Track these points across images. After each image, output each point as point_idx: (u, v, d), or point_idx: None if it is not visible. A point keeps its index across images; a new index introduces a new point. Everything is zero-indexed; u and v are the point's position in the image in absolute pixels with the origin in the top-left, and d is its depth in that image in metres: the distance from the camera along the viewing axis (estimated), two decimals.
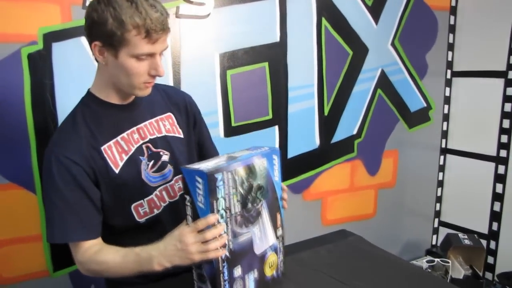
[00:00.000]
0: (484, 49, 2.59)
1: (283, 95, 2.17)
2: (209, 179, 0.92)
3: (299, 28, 2.16)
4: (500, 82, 2.50)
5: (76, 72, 1.65)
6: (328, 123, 2.35)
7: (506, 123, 2.50)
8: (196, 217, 0.96)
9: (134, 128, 1.16)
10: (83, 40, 1.64)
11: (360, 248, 1.39)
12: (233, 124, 2.04)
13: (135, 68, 1.03)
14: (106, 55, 1.04)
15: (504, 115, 2.51)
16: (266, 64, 2.09)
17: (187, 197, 0.96)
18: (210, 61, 1.94)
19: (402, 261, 1.39)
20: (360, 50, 2.38)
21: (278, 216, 1.13)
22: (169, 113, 1.25)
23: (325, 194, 2.43)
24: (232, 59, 1.99)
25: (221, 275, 0.98)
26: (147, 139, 1.17)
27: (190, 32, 1.86)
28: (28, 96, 1.58)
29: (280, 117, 2.18)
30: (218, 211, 0.95)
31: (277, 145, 2.19)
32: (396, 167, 2.68)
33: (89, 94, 1.16)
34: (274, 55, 2.11)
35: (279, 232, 1.14)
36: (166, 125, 1.22)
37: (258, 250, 1.06)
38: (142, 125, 1.17)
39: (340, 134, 2.40)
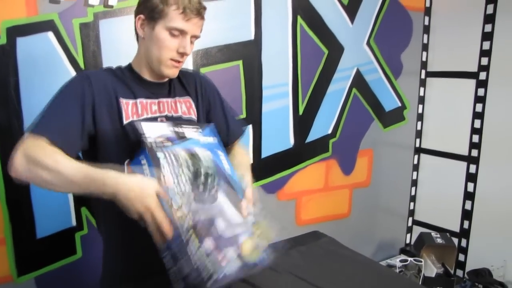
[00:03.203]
0: (457, 50, 2.63)
1: (257, 94, 2.15)
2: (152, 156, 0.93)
3: (274, 26, 2.14)
4: (472, 82, 2.54)
5: (43, 68, 1.59)
6: (303, 122, 2.34)
7: (477, 123, 2.55)
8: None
9: (156, 100, 1.22)
10: (50, 35, 1.59)
11: (332, 250, 1.38)
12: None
13: (167, 41, 1.14)
14: (145, 29, 1.16)
15: (476, 115, 2.55)
16: (240, 62, 2.06)
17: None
18: None
19: (373, 263, 1.39)
20: (335, 49, 2.38)
21: (243, 205, 1.06)
22: (187, 97, 1.30)
23: (299, 194, 2.43)
24: (206, 57, 1.95)
25: (190, 245, 0.92)
26: (163, 114, 1.23)
27: None
28: None
29: (254, 116, 2.16)
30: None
31: (250, 145, 2.17)
32: (370, 166, 2.70)
33: (129, 64, 1.26)
34: (249, 53, 2.09)
35: (250, 219, 1.06)
36: (183, 107, 1.28)
37: (225, 232, 0.99)
38: (163, 100, 1.24)
39: (314, 134, 2.40)
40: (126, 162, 1.09)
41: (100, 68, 1.26)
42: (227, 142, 1.35)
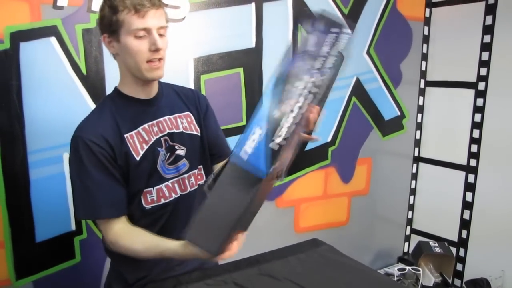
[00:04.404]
0: (456, 60, 2.65)
1: (258, 101, 2.14)
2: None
3: (275, 34, 2.16)
4: (471, 92, 2.56)
5: (45, 73, 1.61)
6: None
7: (476, 133, 2.56)
8: None
9: (154, 122, 1.22)
10: (53, 40, 1.61)
11: (331, 258, 1.38)
12: None
13: (135, 46, 1.11)
14: (114, 45, 1.14)
15: (474, 125, 2.56)
16: (241, 70, 2.08)
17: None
18: (184, 65, 1.92)
19: (372, 272, 1.39)
20: None
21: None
22: (187, 112, 1.31)
23: (298, 202, 2.43)
24: (207, 64, 1.97)
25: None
26: (165, 133, 1.23)
27: None
28: None
29: None
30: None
31: None
32: (369, 175, 2.71)
33: (115, 89, 1.24)
34: (250, 61, 2.10)
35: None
36: (184, 122, 1.28)
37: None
38: (161, 119, 1.24)
39: (314, 142, 2.40)
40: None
41: (91, 112, 1.22)
42: (218, 155, 1.37)
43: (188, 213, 1.26)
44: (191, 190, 1.28)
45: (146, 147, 1.19)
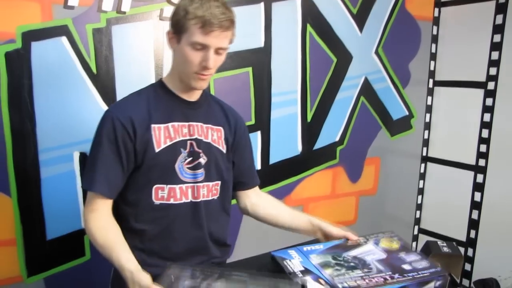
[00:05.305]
0: (465, 60, 2.63)
1: (266, 101, 2.17)
2: None
3: (284, 33, 2.16)
4: (480, 92, 2.54)
5: (56, 72, 1.62)
6: (311, 130, 2.35)
7: (485, 133, 2.54)
8: None
9: (186, 124, 1.24)
10: (64, 40, 1.62)
11: None
12: None
13: (190, 55, 1.14)
14: (174, 44, 1.18)
15: (483, 125, 2.55)
16: (250, 69, 2.08)
17: None
18: None
19: None
20: (344, 57, 2.40)
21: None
22: (220, 127, 1.32)
23: (306, 201, 2.43)
24: None
25: None
26: (193, 137, 1.24)
27: None
28: (5, 96, 1.54)
29: (262, 123, 2.17)
30: None
31: (259, 151, 2.19)
32: (377, 174, 2.70)
33: (160, 81, 1.28)
34: (258, 60, 2.10)
35: None
36: (214, 135, 1.29)
37: None
38: (194, 123, 1.25)
39: (322, 141, 2.40)
40: None
41: (130, 94, 1.26)
42: (247, 184, 1.44)
43: (193, 221, 1.26)
44: (202, 199, 1.27)
45: (169, 143, 1.20)
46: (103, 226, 1.16)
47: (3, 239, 1.61)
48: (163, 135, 1.20)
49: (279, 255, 1.16)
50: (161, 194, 1.22)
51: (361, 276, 1.04)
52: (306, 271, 1.06)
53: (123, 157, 1.17)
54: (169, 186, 1.22)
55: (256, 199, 1.45)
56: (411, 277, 1.04)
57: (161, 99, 1.24)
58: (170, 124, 1.21)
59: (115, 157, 1.16)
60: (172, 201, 1.23)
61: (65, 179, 1.68)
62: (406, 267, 1.10)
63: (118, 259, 1.08)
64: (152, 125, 1.19)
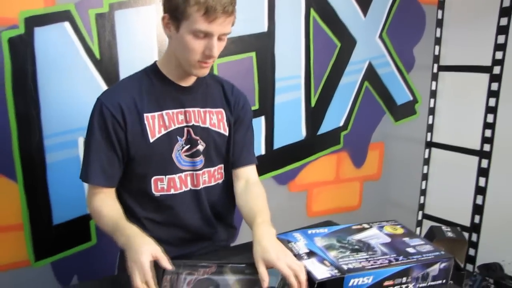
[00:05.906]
0: (470, 44, 2.61)
1: (270, 86, 2.16)
2: None
3: (287, 18, 2.15)
4: (485, 77, 2.52)
5: (59, 58, 1.62)
6: (315, 115, 2.34)
7: (490, 118, 2.53)
8: None
9: (182, 110, 1.20)
10: (67, 25, 1.61)
11: None
12: None
13: (191, 44, 1.07)
14: (171, 29, 1.10)
15: (489, 109, 2.53)
16: (253, 54, 2.07)
17: None
18: None
19: None
20: (348, 42, 2.38)
21: None
22: (220, 109, 1.27)
23: (310, 186, 2.44)
24: None
25: None
26: (190, 124, 1.21)
27: None
28: (9, 82, 1.54)
29: (266, 108, 2.17)
30: None
31: (263, 136, 2.19)
32: (381, 159, 2.70)
33: (153, 65, 1.22)
34: (262, 45, 2.09)
35: None
36: (213, 118, 1.25)
37: None
38: (190, 109, 1.21)
39: (326, 126, 2.40)
40: None
41: (122, 80, 1.23)
42: (234, 163, 1.32)
43: (196, 208, 1.27)
44: (202, 186, 1.26)
45: (164, 132, 1.17)
46: (106, 204, 1.16)
47: (11, 223, 1.63)
48: (157, 124, 1.16)
49: (284, 237, 1.17)
50: (160, 185, 1.21)
51: (365, 258, 1.05)
52: (311, 253, 1.07)
53: (115, 145, 1.15)
54: (168, 176, 1.20)
55: (242, 189, 1.31)
56: (415, 260, 1.05)
57: (154, 85, 1.19)
58: (164, 112, 1.18)
59: (108, 145, 1.14)
60: (172, 191, 1.22)
61: (70, 165, 1.69)
62: (411, 250, 1.10)
63: (121, 232, 1.05)
64: (145, 114, 1.15)
